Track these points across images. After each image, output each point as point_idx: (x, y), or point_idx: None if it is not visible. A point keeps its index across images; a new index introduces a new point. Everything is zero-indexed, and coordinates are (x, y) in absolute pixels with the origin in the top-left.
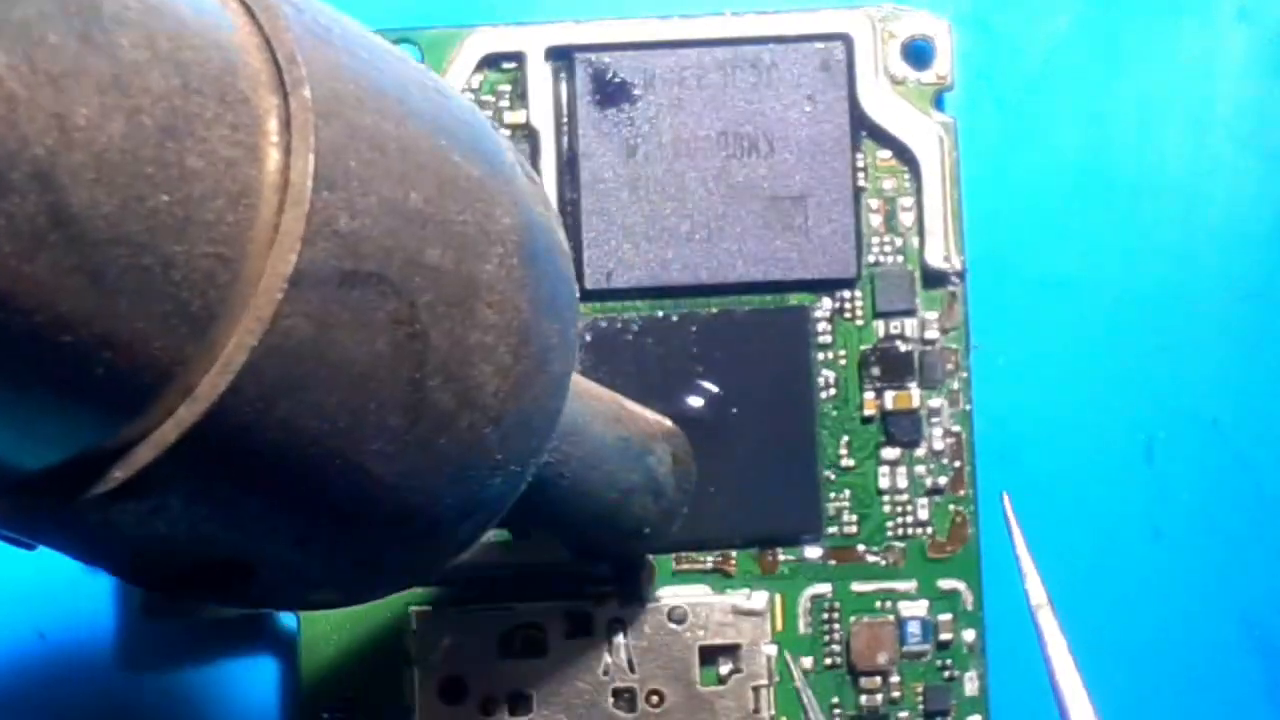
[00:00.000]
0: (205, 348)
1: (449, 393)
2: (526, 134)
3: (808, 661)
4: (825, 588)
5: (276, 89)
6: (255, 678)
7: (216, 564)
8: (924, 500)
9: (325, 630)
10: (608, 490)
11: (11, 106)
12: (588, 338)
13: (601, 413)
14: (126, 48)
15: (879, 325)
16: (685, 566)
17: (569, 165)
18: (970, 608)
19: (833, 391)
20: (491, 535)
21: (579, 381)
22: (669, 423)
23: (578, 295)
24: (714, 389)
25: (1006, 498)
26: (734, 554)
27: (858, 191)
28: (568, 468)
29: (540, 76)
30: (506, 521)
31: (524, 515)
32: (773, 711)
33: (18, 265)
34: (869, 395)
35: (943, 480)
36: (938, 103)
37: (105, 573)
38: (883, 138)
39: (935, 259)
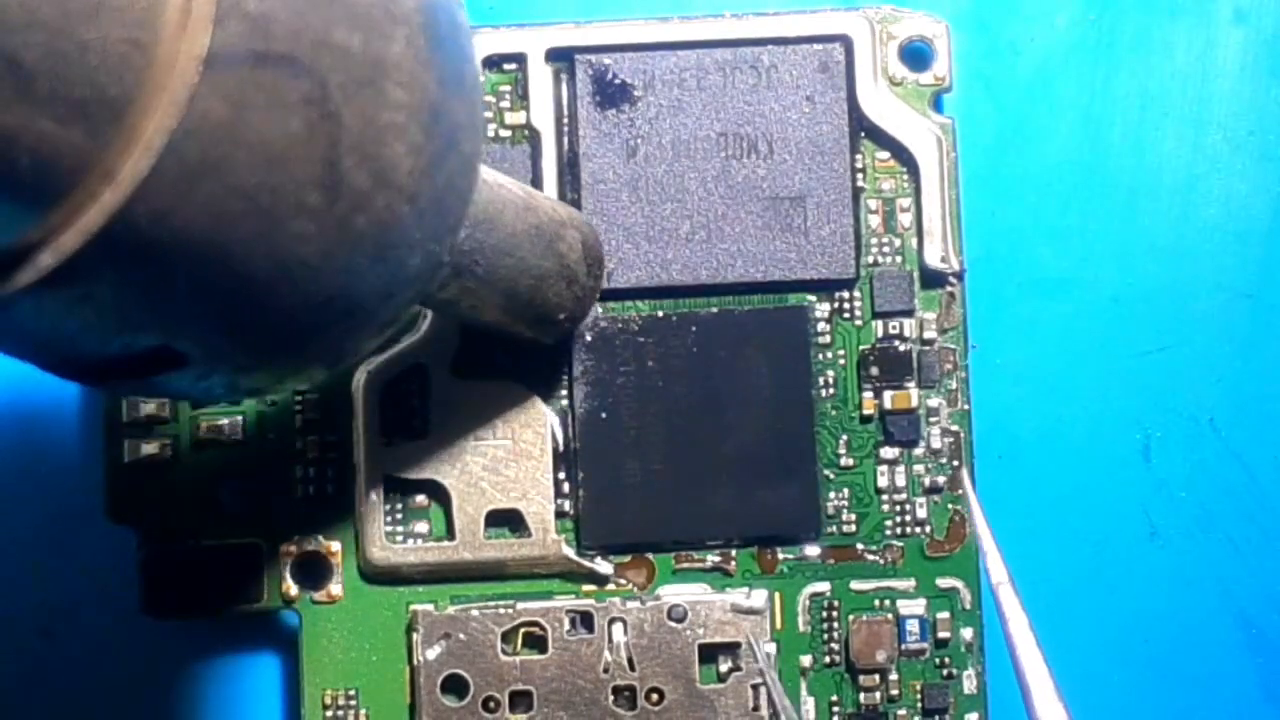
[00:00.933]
0: (124, 133)
1: (364, 171)
2: (527, 135)
3: (807, 660)
4: (824, 586)
5: None
6: (257, 676)
7: (147, 353)
8: (922, 499)
9: (327, 629)
10: (522, 277)
11: None
12: (588, 338)
13: (511, 201)
14: None
15: (878, 325)
16: (685, 565)
17: (569, 166)
18: (968, 606)
19: (832, 391)
20: (486, 531)
21: (487, 171)
22: (576, 211)
23: (481, 78)
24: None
25: (965, 474)
26: (734, 553)
27: (857, 192)
28: (482, 255)
29: (541, 78)
30: (435, 310)
31: (444, 306)
32: (772, 709)
33: None
34: (868, 395)
35: (941, 479)
36: (936, 104)
37: (36, 366)
38: (881, 139)
39: (934, 259)
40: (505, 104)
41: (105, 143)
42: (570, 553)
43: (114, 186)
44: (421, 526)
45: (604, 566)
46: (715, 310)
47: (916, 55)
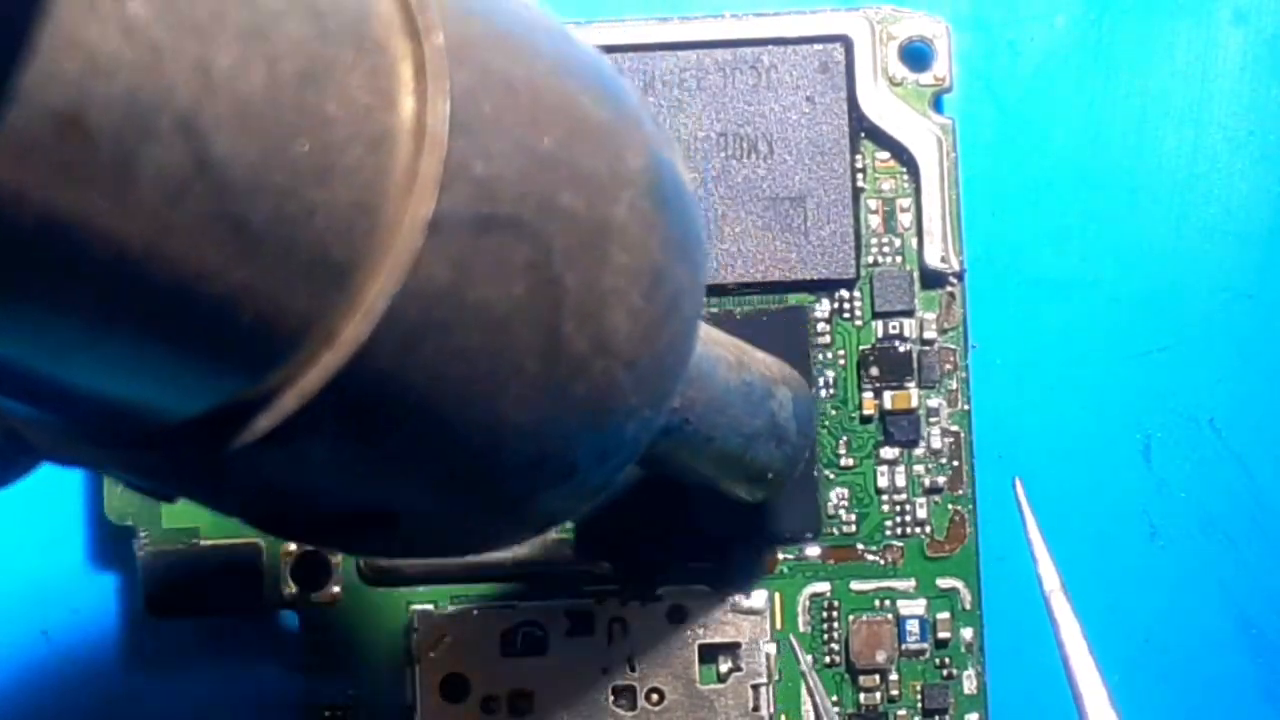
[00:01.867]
0: (347, 295)
1: (584, 337)
2: None
3: (807, 660)
4: (824, 586)
5: (410, 34)
6: (258, 677)
7: (358, 513)
8: (922, 499)
9: (327, 628)
10: (732, 435)
11: (157, 55)
12: None
13: (724, 358)
14: None
15: (878, 325)
16: (685, 565)
17: None
18: (968, 606)
19: (832, 391)
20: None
21: (702, 327)
22: (789, 368)
23: (705, 238)
24: None
25: (1019, 484)
26: (734, 553)
27: (857, 192)
28: (693, 413)
29: None
30: (643, 468)
31: (653, 463)
32: (772, 709)
33: (164, 214)
34: (868, 395)
35: (941, 480)
36: (936, 104)
37: (245, 523)
38: (882, 139)
39: (934, 259)
40: None
41: (328, 305)
42: (570, 553)
43: (335, 349)
44: None
45: (604, 567)
46: (715, 310)
47: (916, 55)
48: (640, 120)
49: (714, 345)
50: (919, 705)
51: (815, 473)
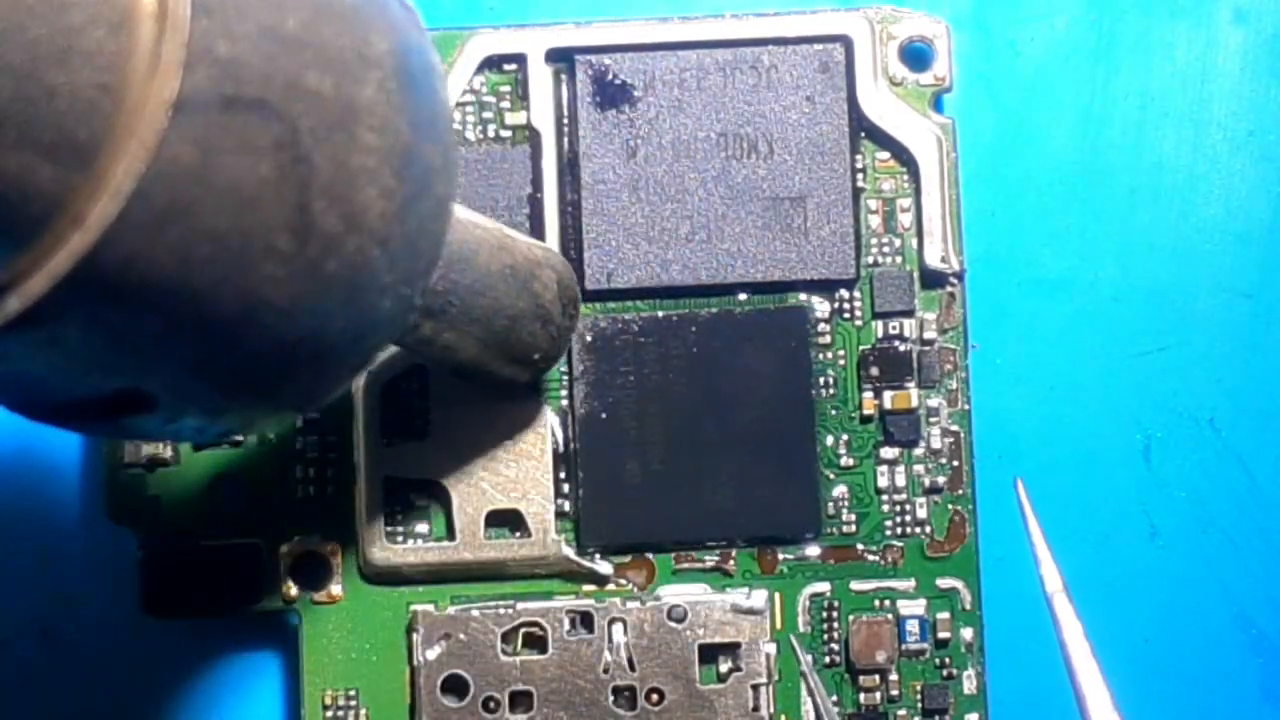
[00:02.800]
0: (93, 177)
1: (335, 215)
2: (528, 135)
3: (806, 660)
4: (824, 586)
5: None
6: (257, 676)
7: (116, 394)
8: (922, 499)
9: (327, 629)
10: (496, 317)
11: None
12: (588, 338)
13: (486, 240)
14: None
15: (878, 325)
16: (685, 565)
17: (570, 166)
18: (968, 606)
19: (832, 391)
20: (490, 532)
21: (462, 210)
22: (554, 251)
23: (453, 118)
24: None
25: (1021, 485)
26: (734, 553)
27: (857, 192)
28: (455, 295)
29: (541, 78)
30: (408, 349)
31: (418, 345)
32: (772, 709)
33: None
34: (868, 395)
35: (941, 480)
36: (936, 104)
37: (3, 407)
38: (882, 139)
39: (934, 259)
40: (505, 104)
41: (73, 187)
42: (570, 553)
43: (82, 231)
44: (421, 527)
45: (604, 567)
46: (715, 310)
47: (916, 55)
48: (386, 3)
49: (475, 228)
50: (919, 705)
51: (815, 472)
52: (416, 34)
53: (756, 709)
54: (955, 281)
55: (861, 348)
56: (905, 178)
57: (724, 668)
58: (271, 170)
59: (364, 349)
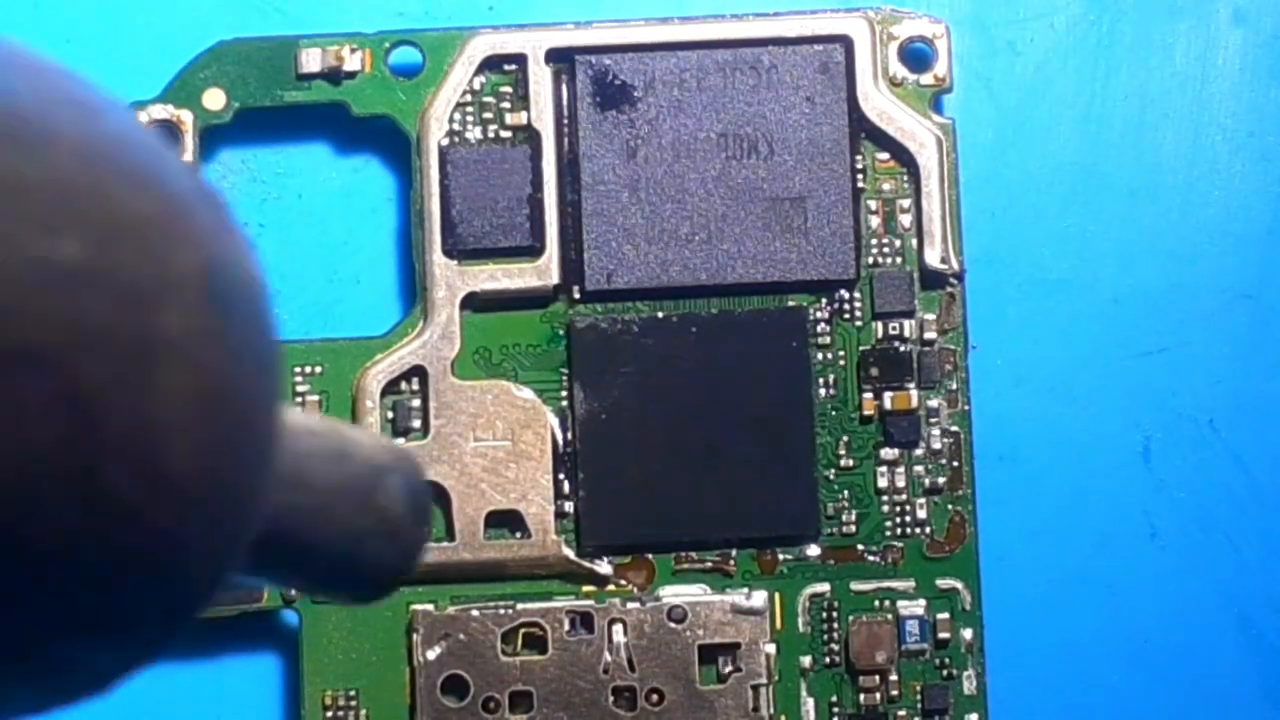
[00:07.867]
0: None
1: (132, 480)
2: (527, 136)
3: (806, 660)
4: (824, 587)
5: None
6: (257, 676)
7: None
8: (922, 500)
9: (327, 629)
10: (339, 541)
11: None
12: (588, 338)
13: (319, 450)
14: None
15: (878, 326)
16: (685, 566)
17: (570, 167)
18: (968, 607)
19: (831, 392)
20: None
21: (292, 417)
22: (398, 446)
23: (277, 328)
24: None
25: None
26: (733, 553)
27: (857, 193)
28: (289, 520)
29: (541, 79)
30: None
31: (255, 574)
32: (772, 710)
33: None
34: (868, 396)
35: (941, 480)
36: (936, 105)
37: None
38: (882, 139)
39: (934, 260)
40: (505, 105)
41: None
42: (570, 553)
43: None
44: None
45: (604, 567)
46: (715, 311)
47: (916, 56)
48: (191, 207)
49: (308, 437)
50: (919, 706)
51: (815, 473)
52: (229, 238)
53: (756, 709)
54: (955, 282)
55: (861, 348)
56: (905, 178)
57: (724, 669)
58: (50, 436)
59: (175, 621)
